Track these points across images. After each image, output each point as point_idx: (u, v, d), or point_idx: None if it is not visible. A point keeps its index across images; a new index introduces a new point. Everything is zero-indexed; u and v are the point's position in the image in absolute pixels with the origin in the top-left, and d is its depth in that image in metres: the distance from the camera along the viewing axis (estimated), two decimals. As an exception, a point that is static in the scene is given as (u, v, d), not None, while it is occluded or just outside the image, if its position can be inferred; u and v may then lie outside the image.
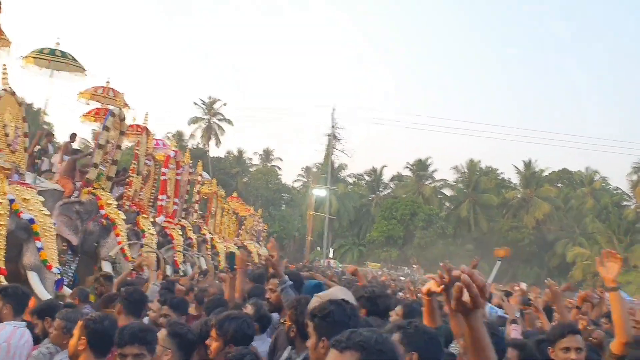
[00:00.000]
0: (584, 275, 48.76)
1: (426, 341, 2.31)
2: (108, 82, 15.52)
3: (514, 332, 4.68)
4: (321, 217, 50.72)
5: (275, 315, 4.54)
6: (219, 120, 62.47)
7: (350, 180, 66.66)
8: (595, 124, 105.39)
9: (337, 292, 3.41)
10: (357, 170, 69.38)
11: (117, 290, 5.82)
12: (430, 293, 2.58)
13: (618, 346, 3.36)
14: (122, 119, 11.54)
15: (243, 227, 29.22)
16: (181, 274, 12.29)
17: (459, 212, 58.96)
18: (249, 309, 4.15)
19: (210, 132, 61.79)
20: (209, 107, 62.24)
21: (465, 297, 1.57)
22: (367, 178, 66.74)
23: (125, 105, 14.40)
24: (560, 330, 3.39)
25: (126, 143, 15.07)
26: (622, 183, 60.99)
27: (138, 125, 15.41)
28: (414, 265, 42.27)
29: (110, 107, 13.18)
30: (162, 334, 3.29)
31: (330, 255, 52.25)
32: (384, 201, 60.38)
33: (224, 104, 62.83)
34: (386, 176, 65.66)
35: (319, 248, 53.05)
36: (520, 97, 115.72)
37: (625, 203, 58.30)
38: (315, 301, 3.10)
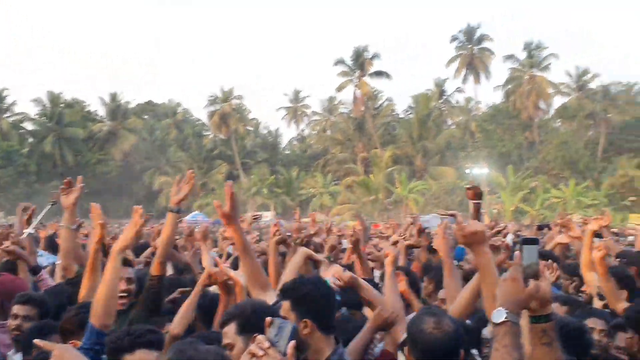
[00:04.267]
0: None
1: None
2: None
3: None
4: None
5: None
6: None
7: None
8: (177, 56, 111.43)
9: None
10: None
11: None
12: None
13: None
14: None
15: None
16: None
17: (43, 147, 54.78)
18: None
19: None
20: None
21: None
22: None
23: None
24: None
25: None
26: (202, 114, 66.84)
27: None
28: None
29: None
30: None
31: None
32: (-51, 140, 51.43)
33: None
34: (-49, 110, 55.82)
35: None
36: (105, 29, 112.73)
37: (204, 133, 64.13)
38: None
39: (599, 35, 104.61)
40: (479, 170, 43.59)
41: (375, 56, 54.99)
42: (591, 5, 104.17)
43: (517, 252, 1.81)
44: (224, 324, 2.36)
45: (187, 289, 3.69)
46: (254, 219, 6.56)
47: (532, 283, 1.73)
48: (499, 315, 1.68)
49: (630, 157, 49.43)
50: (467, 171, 44.42)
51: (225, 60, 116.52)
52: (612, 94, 55.08)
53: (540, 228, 7.67)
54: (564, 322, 2.61)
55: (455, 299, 3.09)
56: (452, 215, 5.93)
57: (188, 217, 38.80)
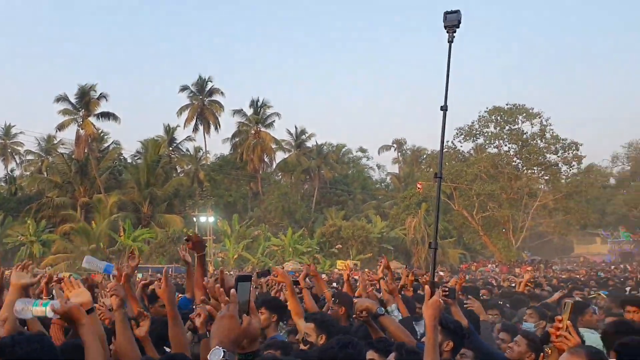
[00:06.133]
0: None
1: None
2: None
3: None
4: None
5: None
6: None
7: None
8: None
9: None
10: None
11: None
12: None
13: None
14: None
15: None
16: None
17: None
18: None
19: None
20: None
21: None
22: None
23: None
24: None
25: None
26: None
27: None
28: None
29: None
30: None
31: None
32: None
33: None
34: None
35: None
36: None
37: None
38: None
39: (315, 100, 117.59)
40: (206, 219, 44.34)
41: (102, 96, 52.43)
42: (305, 72, 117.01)
43: (232, 290, 1.81)
44: None
45: None
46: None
47: (245, 319, 1.76)
48: (217, 354, 1.63)
49: (338, 209, 56.02)
50: (194, 219, 44.79)
51: None
52: (325, 153, 62.17)
53: (259, 275, 8.12)
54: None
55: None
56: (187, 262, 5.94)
57: None
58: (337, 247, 46.51)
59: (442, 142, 3.15)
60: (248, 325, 1.76)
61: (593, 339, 5.15)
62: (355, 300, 4.10)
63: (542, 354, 2.85)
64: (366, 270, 28.99)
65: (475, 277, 26.24)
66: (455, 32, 3.24)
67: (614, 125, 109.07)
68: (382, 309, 3.42)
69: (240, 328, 1.74)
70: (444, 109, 3.09)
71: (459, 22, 3.22)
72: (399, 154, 74.64)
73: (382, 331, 3.45)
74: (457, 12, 3.24)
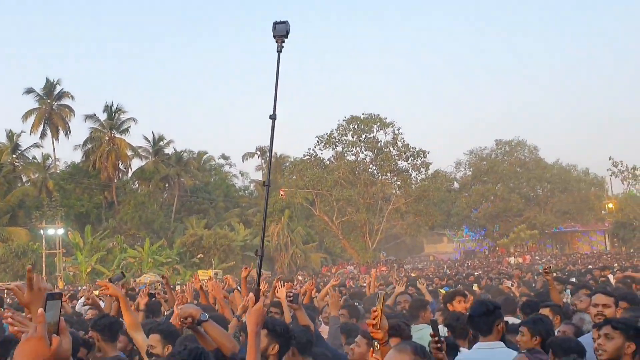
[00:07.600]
0: None
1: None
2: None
3: None
4: None
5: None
6: None
7: None
8: None
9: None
10: None
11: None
12: None
13: None
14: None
15: None
16: None
17: None
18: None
19: None
20: None
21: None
22: None
23: None
24: None
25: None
26: None
27: None
28: None
29: None
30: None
31: None
32: None
33: None
34: None
35: None
36: None
37: None
38: None
39: (173, 106, 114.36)
40: (55, 231, 41.26)
41: None
42: (163, 77, 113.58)
43: (40, 310, 1.67)
44: None
45: None
46: None
47: (54, 340, 1.65)
48: None
49: (199, 218, 54.87)
50: (41, 232, 41.48)
51: None
52: (185, 160, 60.57)
53: (112, 280, 7.75)
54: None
55: None
56: (11, 289, 5.49)
57: None
58: (198, 256, 45.55)
59: (271, 150, 3.21)
60: (57, 347, 1.65)
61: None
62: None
63: (372, 348, 3.01)
64: (227, 276, 28.72)
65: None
66: (284, 42, 3.30)
67: (457, 134, 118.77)
68: (206, 315, 3.40)
69: (48, 351, 1.62)
70: (273, 117, 3.13)
71: (288, 33, 3.28)
72: (263, 161, 74.90)
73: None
74: (286, 22, 3.31)
